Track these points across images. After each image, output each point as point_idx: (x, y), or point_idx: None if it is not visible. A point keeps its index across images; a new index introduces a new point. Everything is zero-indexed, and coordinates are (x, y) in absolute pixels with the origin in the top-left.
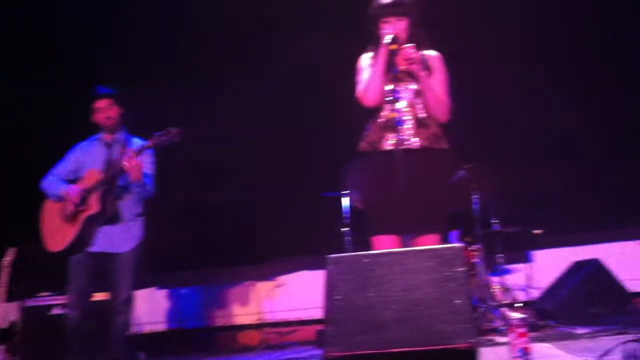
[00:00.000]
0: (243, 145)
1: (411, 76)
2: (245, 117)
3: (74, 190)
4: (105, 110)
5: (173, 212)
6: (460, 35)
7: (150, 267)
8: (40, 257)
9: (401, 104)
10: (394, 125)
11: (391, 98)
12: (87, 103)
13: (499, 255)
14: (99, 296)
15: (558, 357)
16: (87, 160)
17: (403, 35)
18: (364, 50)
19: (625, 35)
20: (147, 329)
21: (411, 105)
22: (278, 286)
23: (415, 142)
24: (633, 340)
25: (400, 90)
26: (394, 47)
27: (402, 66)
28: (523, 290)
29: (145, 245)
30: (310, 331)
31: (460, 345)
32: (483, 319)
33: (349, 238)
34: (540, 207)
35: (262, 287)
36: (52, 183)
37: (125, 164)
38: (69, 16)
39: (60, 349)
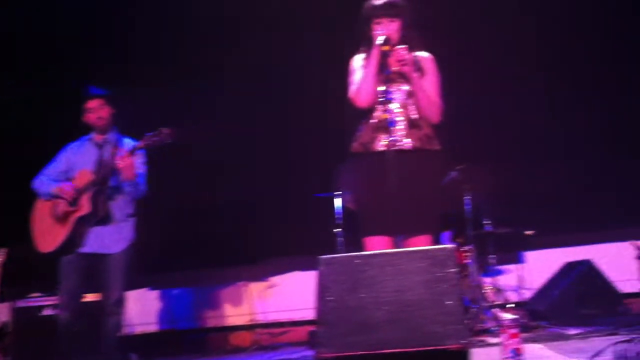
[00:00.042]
0: (232, 147)
1: (403, 77)
2: (242, 118)
3: (68, 186)
4: (96, 110)
5: (165, 212)
6: (453, 36)
7: (142, 268)
8: (31, 258)
9: (393, 105)
10: (386, 126)
11: (383, 99)
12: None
13: (491, 256)
14: (90, 297)
15: (550, 358)
16: (78, 160)
17: (395, 37)
18: (356, 51)
19: (625, 35)
20: (138, 330)
21: (403, 106)
22: (270, 287)
23: (407, 143)
24: (624, 341)
25: (393, 91)
26: (386, 48)
27: (395, 67)
28: (515, 291)
29: (137, 246)
30: (302, 332)
31: (452, 346)
32: (475, 320)
33: (341, 239)
34: (532, 208)
35: (254, 288)
36: (43, 182)
37: (119, 163)
38: (68, 16)
39: (51, 349)
